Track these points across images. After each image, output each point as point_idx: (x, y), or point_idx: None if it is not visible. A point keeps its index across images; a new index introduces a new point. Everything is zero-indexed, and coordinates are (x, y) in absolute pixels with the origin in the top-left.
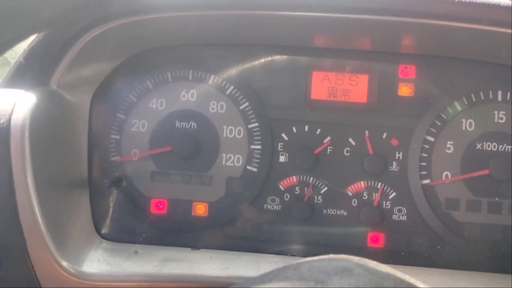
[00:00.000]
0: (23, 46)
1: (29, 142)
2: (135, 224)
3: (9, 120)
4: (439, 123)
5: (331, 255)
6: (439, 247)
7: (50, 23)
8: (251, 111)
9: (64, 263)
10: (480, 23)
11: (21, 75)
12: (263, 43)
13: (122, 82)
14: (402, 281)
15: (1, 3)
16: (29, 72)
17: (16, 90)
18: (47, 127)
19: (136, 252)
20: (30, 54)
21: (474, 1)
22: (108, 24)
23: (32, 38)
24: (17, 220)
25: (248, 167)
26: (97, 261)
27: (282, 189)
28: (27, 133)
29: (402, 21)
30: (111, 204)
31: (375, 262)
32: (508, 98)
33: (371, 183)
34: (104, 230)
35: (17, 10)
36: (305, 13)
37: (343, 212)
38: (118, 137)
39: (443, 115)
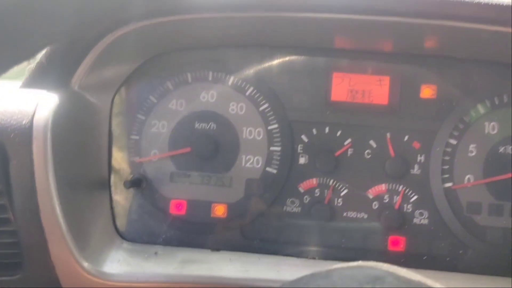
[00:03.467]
0: None
1: (51, 143)
2: (155, 225)
3: (31, 121)
4: (462, 126)
5: (360, 262)
6: (461, 251)
7: (74, 28)
8: (271, 113)
9: (85, 264)
10: (505, 25)
11: (43, 76)
12: (283, 44)
13: (142, 83)
14: None
15: (28, 9)
16: (51, 73)
17: (38, 90)
18: (69, 128)
19: (156, 253)
20: (52, 54)
21: (499, 3)
22: (128, 26)
23: None
24: (38, 221)
25: (267, 168)
26: (118, 262)
27: (302, 191)
28: (49, 134)
29: (425, 23)
30: (131, 205)
31: (405, 270)
32: None
33: (392, 186)
34: (124, 231)
35: (41, 15)
36: (326, 15)
37: (363, 215)
38: (138, 137)
39: (465, 118)
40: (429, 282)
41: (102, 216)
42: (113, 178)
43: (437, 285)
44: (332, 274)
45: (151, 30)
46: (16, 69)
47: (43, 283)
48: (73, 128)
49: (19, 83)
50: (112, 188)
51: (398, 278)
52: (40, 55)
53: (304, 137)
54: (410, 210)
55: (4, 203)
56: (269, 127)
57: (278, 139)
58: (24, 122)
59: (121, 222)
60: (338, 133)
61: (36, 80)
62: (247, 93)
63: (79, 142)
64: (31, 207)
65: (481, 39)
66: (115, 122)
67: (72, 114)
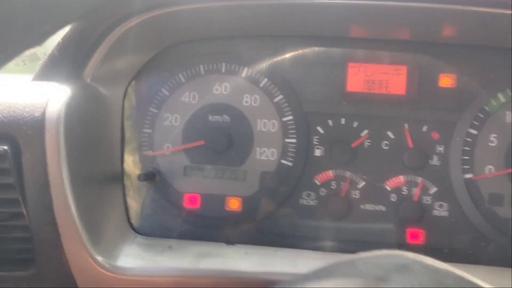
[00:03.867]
0: (52, 40)
1: (64, 135)
2: (169, 219)
3: (43, 114)
4: (482, 116)
5: (385, 251)
6: (483, 244)
7: (83, 15)
8: (286, 104)
9: (99, 258)
10: None
11: (55, 68)
12: (297, 34)
13: (155, 75)
14: (462, 278)
15: None
16: (63, 65)
17: (50, 83)
18: (82, 120)
19: (170, 247)
20: (64, 46)
21: None
22: (140, 17)
23: (64, 31)
24: (52, 215)
25: (282, 161)
26: (132, 256)
27: (318, 183)
28: (62, 127)
29: (443, 8)
30: (145, 199)
31: (431, 259)
32: None
33: (410, 178)
34: (138, 225)
35: (51, 2)
36: (341, 1)
37: (381, 208)
38: (150, 131)
39: (486, 108)
40: (457, 271)
41: (116, 210)
42: (126, 171)
43: (465, 274)
44: (357, 262)
45: (162, 20)
46: (27, 64)
47: (56, 278)
48: (85, 121)
49: (31, 76)
50: (126, 182)
51: (426, 266)
52: (51, 48)
53: (319, 129)
54: (429, 202)
55: (17, 197)
56: (284, 119)
57: (293, 131)
58: (36, 115)
59: (134, 216)
60: (355, 124)
61: (48, 72)
62: (261, 85)
63: (91, 134)
64: (44, 201)
65: (500, 26)
66: (127, 115)
67: (84, 107)
